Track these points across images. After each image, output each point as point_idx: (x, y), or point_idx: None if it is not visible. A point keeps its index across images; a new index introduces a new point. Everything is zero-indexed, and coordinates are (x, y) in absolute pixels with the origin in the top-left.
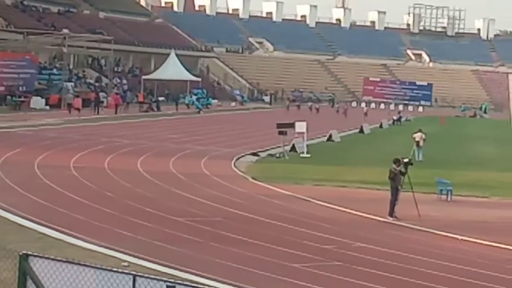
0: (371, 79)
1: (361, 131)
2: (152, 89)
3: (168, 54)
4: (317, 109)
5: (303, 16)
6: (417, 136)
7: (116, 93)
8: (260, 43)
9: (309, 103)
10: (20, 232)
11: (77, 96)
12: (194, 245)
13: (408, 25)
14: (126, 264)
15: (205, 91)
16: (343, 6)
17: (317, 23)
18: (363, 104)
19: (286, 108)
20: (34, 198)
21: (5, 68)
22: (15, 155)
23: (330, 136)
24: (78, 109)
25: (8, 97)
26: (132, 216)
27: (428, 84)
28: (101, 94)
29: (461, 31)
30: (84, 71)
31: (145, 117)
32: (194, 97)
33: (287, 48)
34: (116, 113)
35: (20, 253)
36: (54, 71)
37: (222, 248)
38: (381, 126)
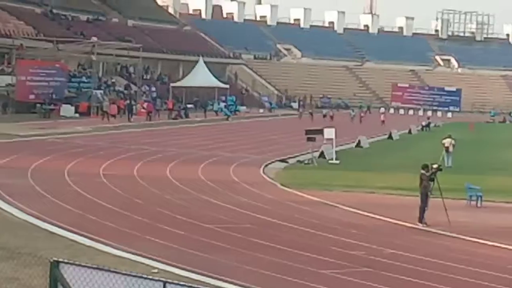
0: (399, 85)
1: (390, 137)
2: (180, 96)
3: (196, 61)
4: (331, 117)
5: (331, 23)
6: (447, 141)
7: (148, 101)
8: (288, 49)
9: (324, 111)
10: (51, 239)
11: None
12: (224, 252)
13: (437, 30)
14: (155, 271)
15: (234, 98)
16: (371, 12)
17: (345, 29)
18: (381, 110)
19: (299, 117)
20: (64, 206)
21: (35, 76)
22: (45, 162)
23: (359, 142)
24: (114, 116)
25: (38, 105)
26: (162, 223)
27: (457, 89)
28: (104, 104)
29: (490, 36)
30: (113, 79)
31: (173, 124)
32: (222, 104)
33: (315, 54)
34: (149, 120)
35: (51, 260)
36: (84, 79)
37: (252, 254)
38: (410, 132)
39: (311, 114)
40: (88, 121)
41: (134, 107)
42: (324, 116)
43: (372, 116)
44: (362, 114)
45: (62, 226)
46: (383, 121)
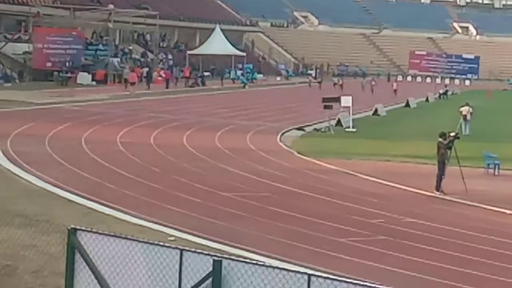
0: (417, 52)
1: (407, 105)
2: (197, 64)
3: (213, 29)
4: (341, 86)
5: None
6: (464, 109)
7: (166, 69)
8: (305, 17)
9: (334, 79)
10: (69, 207)
11: (133, 71)
12: (241, 220)
13: None
14: (172, 238)
15: (250, 66)
16: None
17: None
18: (395, 79)
19: (308, 85)
20: (82, 173)
21: (52, 44)
22: (63, 130)
23: (376, 110)
24: (133, 83)
25: (55, 73)
26: (179, 191)
27: (475, 57)
28: (145, 70)
29: (509, 2)
30: (130, 47)
31: (190, 92)
32: (239, 72)
33: (333, 22)
34: (167, 87)
35: (69, 228)
36: (100, 46)
37: (269, 223)
38: (427, 100)
39: (319, 82)
40: (105, 89)
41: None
42: (335, 84)
43: (385, 84)
44: (373, 83)
45: (79, 194)
46: (395, 90)
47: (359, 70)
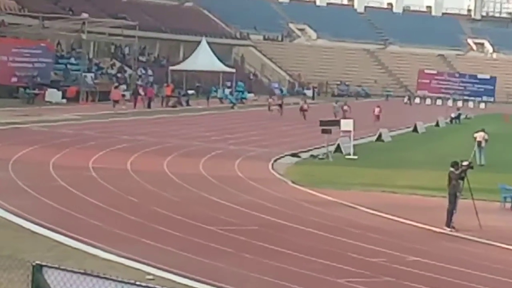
0: (426, 71)
1: (415, 129)
2: (180, 81)
3: (198, 42)
4: (304, 111)
5: (351, 0)
6: (479, 136)
7: (142, 85)
8: (301, 30)
9: (336, 104)
10: (34, 240)
11: (116, 87)
12: (227, 257)
13: (469, 10)
14: (150, 277)
15: (242, 84)
16: None
17: (366, 7)
18: (377, 104)
19: (268, 109)
20: (49, 202)
21: (17, 56)
22: (28, 153)
23: (380, 135)
24: (117, 101)
25: (21, 89)
26: (158, 224)
27: (491, 77)
28: (122, 87)
29: None
30: (105, 61)
31: (172, 112)
32: (227, 91)
33: (332, 36)
34: (149, 107)
35: (33, 264)
36: (72, 60)
37: (258, 260)
38: (437, 125)
39: (279, 106)
40: (77, 108)
41: (126, 93)
42: (342, 110)
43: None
44: (345, 108)
45: (46, 225)
46: (377, 116)
47: (361, 90)
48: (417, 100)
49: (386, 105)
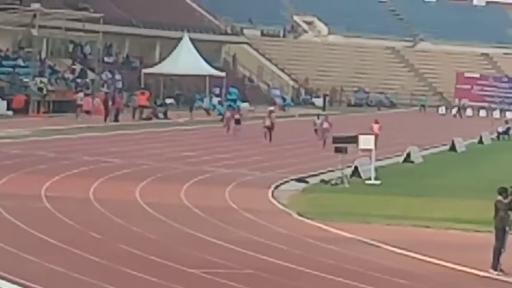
0: (466, 74)
1: (453, 148)
2: (156, 87)
3: (179, 39)
4: (269, 128)
5: None
6: None
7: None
8: (309, 23)
9: (267, 115)
10: None
11: (87, 95)
12: None
13: None
14: None
15: (236, 91)
16: None
17: None
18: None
19: (224, 126)
20: None
21: None
22: None
23: (408, 155)
24: (88, 112)
25: None
26: (127, 266)
27: None
28: (78, 96)
29: None
30: (61, 62)
31: (146, 127)
32: (216, 100)
33: (348, 30)
34: (116, 120)
35: None
36: (20, 62)
37: None
38: (480, 141)
39: (236, 122)
40: (26, 122)
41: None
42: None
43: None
44: (325, 125)
45: None
46: (375, 136)
47: (384, 99)
48: (454, 110)
49: (419, 118)
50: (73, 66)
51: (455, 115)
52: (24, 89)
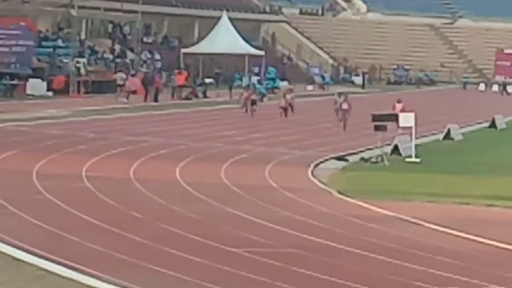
0: (506, 51)
1: (493, 125)
2: (196, 67)
3: (218, 18)
4: (285, 110)
5: None
6: None
7: (147, 73)
8: (348, 1)
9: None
10: (15, 268)
11: (133, 75)
12: (257, 287)
13: None
14: None
15: (272, 69)
16: None
17: None
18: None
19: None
20: (33, 221)
21: None
22: (6, 160)
23: (448, 132)
24: (135, 92)
25: None
26: (170, 247)
27: None
28: (118, 75)
29: None
30: (101, 43)
31: (186, 106)
32: (255, 78)
33: (386, 8)
34: (156, 100)
35: None
36: (59, 42)
37: None
38: None
39: (252, 103)
40: (66, 102)
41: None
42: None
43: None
44: (344, 106)
45: (29, 249)
46: (343, 117)
47: (424, 76)
48: (495, 87)
49: (459, 95)
50: (114, 47)
51: (501, 93)
52: (64, 70)
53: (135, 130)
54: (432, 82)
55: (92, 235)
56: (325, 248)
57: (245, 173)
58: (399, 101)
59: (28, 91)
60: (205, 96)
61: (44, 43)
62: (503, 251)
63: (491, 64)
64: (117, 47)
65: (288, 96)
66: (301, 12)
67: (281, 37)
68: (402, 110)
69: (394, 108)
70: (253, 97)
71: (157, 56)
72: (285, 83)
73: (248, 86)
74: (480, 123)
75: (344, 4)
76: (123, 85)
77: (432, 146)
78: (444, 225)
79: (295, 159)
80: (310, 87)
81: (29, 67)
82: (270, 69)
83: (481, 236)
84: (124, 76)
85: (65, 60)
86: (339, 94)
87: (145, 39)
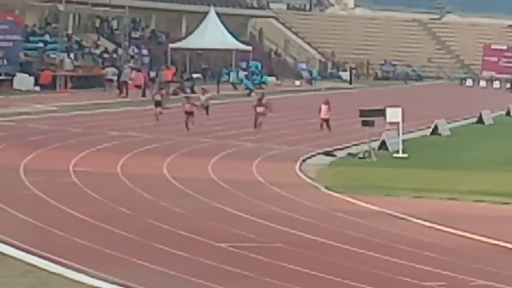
0: (493, 46)
1: (480, 120)
2: (183, 62)
3: (205, 13)
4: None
5: None
6: None
7: (137, 69)
8: None
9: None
10: (1, 264)
11: (138, 70)
12: (243, 282)
13: None
14: None
15: (259, 64)
16: None
17: None
18: (325, 99)
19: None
20: (19, 216)
21: None
22: None
23: (436, 128)
24: (139, 87)
25: None
26: (156, 241)
27: None
28: (109, 70)
29: None
30: (88, 38)
31: (173, 101)
32: (242, 74)
33: (374, 3)
34: (143, 95)
35: None
36: (47, 37)
37: (282, 285)
38: (509, 114)
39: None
40: (53, 97)
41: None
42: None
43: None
44: (259, 109)
45: (16, 244)
46: (326, 121)
47: (411, 72)
48: (482, 83)
49: (449, 91)
50: (98, 42)
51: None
52: (51, 64)
53: (123, 125)
54: (419, 78)
55: (79, 230)
56: (312, 243)
57: (233, 168)
58: (325, 103)
59: (15, 86)
60: (192, 91)
61: (31, 38)
62: (491, 246)
63: (479, 60)
64: (104, 42)
65: (203, 97)
66: (288, 7)
67: (268, 33)
68: (328, 113)
69: (320, 110)
70: (190, 109)
71: (145, 51)
72: (273, 78)
73: (239, 81)
74: (467, 118)
75: None
76: (112, 80)
77: (420, 142)
78: (431, 221)
79: (283, 154)
80: (297, 82)
81: (16, 62)
82: (255, 64)
83: (469, 231)
84: (116, 71)
85: (52, 55)
86: (262, 94)
87: (132, 34)
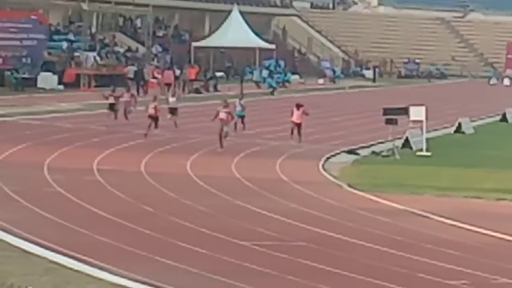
0: None
1: (504, 118)
2: (206, 60)
3: (229, 12)
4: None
5: None
6: None
7: (158, 67)
8: None
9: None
10: (25, 261)
11: (169, 69)
12: (267, 280)
13: None
14: None
15: (281, 63)
16: None
17: None
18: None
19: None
20: (43, 214)
21: (2, 32)
22: (17, 153)
23: (459, 126)
24: (169, 85)
25: (7, 73)
26: (179, 239)
27: None
28: (130, 68)
29: None
30: (111, 36)
31: (196, 100)
32: (265, 72)
33: (397, 1)
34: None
35: None
36: (71, 36)
37: (306, 284)
38: None
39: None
40: (77, 96)
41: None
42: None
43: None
44: (221, 114)
45: (39, 242)
46: (297, 125)
47: (435, 70)
48: (506, 81)
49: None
50: (115, 40)
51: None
52: (75, 63)
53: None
54: (443, 76)
55: (103, 228)
56: (335, 241)
57: (257, 167)
58: (298, 106)
59: (39, 85)
60: (215, 90)
61: (55, 37)
62: None
63: (502, 58)
64: (128, 41)
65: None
66: (312, 6)
67: (292, 31)
68: (301, 117)
69: (292, 113)
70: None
71: (168, 50)
72: (296, 76)
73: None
74: (491, 116)
75: None
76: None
77: (443, 140)
78: (454, 219)
79: (306, 152)
80: (321, 81)
81: (40, 61)
82: (279, 62)
83: (491, 229)
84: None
85: (76, 54)
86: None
87: (156, 33)
